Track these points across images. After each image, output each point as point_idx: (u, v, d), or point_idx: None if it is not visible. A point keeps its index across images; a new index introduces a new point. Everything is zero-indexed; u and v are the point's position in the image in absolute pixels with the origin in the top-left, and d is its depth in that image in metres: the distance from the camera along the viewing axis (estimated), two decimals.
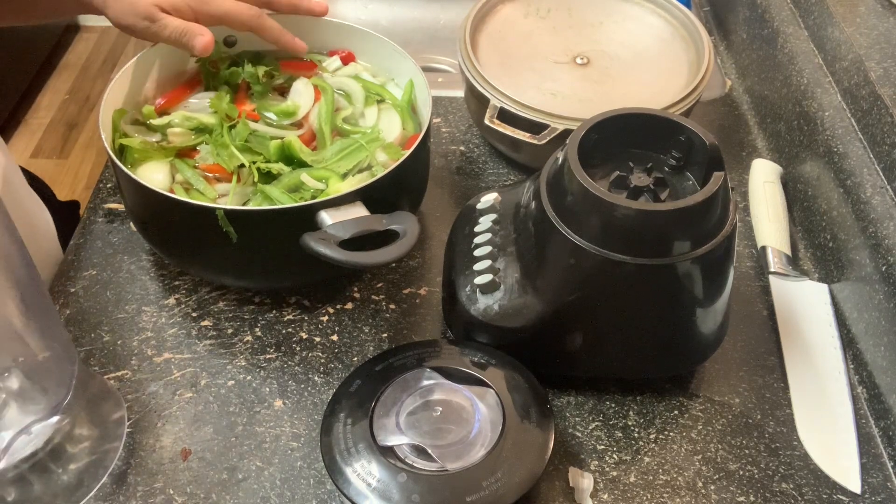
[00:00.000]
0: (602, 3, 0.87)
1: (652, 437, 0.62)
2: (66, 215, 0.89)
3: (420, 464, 0.53)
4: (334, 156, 0.68)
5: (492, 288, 0.61)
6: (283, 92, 0.75)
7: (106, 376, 0.64)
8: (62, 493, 0.56)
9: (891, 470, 0.60)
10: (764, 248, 0.74)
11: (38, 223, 0.82)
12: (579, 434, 0.62)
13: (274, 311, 0.69)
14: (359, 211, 0.60)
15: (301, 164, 0.67)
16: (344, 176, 0.67)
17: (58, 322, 0.57)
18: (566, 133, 0.71)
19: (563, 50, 0.82)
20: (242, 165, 0.66)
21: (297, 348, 0.67)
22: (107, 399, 0.62)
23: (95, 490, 0.58)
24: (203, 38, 0.67)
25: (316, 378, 0.65)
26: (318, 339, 0.68)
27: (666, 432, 0.62)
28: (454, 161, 0.84)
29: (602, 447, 0.61)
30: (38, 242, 0.79)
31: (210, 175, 0.67)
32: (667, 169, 0.60)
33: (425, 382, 0.57)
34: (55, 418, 0.55)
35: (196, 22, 0.69)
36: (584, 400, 0.64)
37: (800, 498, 0.59)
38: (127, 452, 0.60)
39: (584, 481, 0.58)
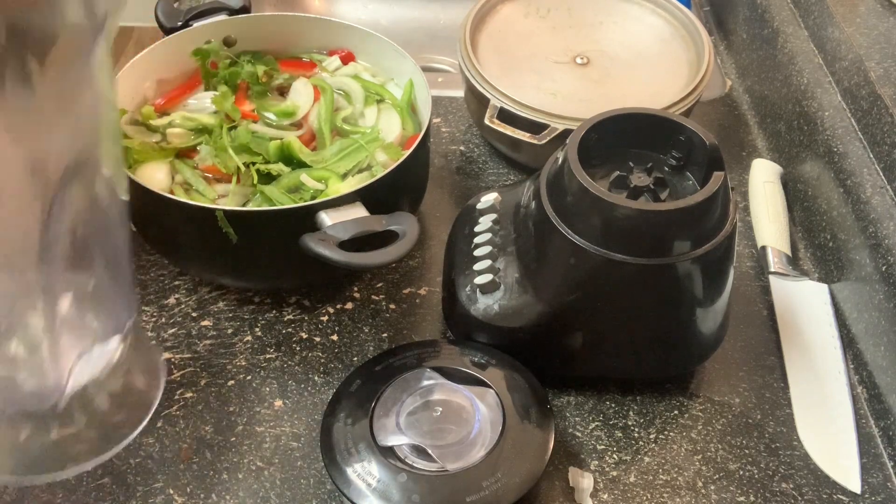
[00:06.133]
0: (602, 3, 0.87)
1: (652, 437, 0.62)
2: None
3: (420, 464, 0.53)
4: (334, 156, 0.68)
5: (492, 288, 0.61)
6: (282, 92, 0.75)
7: None
8: (100, 433, 0.57)
9: (891, 470, 0.60)
10: (764, 248, 0.74)
11: None
12: (579, 434, 0.62)
13: (274, 311, 0.69)
14: (358, 211, 0.60)
15: (301, 165, 0.67)
16: (344, 176, 0.67)
17: (126, 246, 0.55)
18: (566, 133, 0.71)
19: (563, 50, 0.82)
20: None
21: (297, 348, 0.67)
22: (147, 344, 0.63)
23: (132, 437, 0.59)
24: None
25: (316, 378, 0.65)
26: (318, 339, 0.68)
27: (666, 432, 0.62)
28: (454, 161, 0.84)
29: (602, 447, 0.61)
30: None
31: (210, 176, 0.67)
32: (667, 169, 0.60)
33: (425, 382, 0.57)
34: (116, 337, 0.55)
35: None
36: (584, 400, 0.64)
37: (800, 498, 0.59)
38: (127, 452, 0.60)
39: (584, 481, 0.58)
